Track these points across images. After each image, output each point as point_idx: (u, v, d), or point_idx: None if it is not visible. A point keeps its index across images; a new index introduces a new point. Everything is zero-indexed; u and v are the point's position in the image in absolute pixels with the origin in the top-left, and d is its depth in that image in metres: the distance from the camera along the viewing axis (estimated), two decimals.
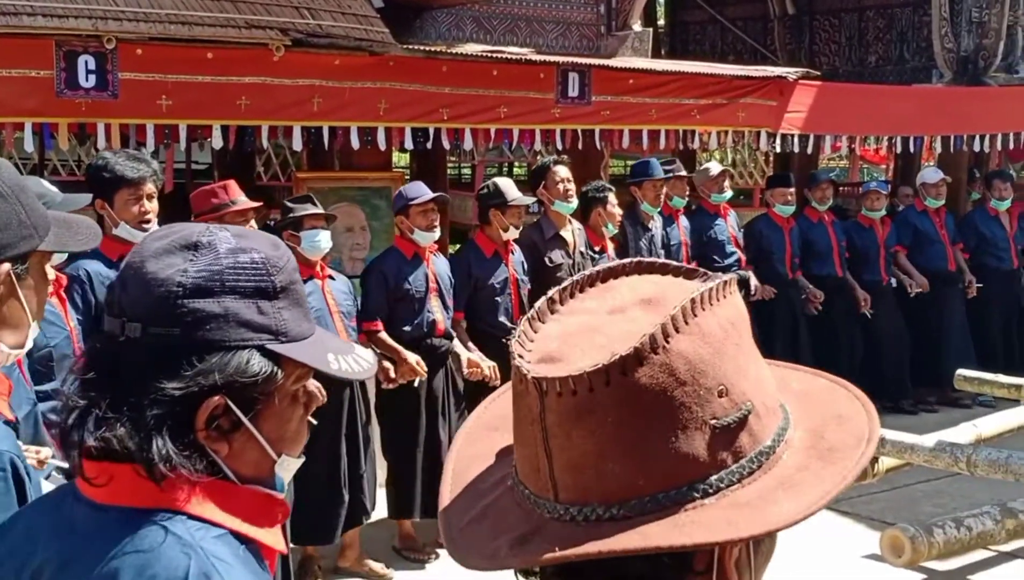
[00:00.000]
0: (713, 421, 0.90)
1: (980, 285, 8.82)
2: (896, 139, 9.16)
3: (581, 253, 6.51)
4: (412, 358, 5.52)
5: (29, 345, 1.88)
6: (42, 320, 1.97)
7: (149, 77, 5.90)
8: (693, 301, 0.90)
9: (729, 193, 8.11)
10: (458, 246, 8.34)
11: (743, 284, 7.79)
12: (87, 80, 5.71)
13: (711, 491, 0.90)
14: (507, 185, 6.22)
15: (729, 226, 7.89)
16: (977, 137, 9.24)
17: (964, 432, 5.18)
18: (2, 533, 1.33)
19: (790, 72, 8.61)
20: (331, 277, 5.44)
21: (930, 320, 8.69)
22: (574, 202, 6.55)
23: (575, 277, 0.99)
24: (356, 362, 1.37)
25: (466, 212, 10.05)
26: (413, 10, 7.99)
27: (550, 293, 0.98)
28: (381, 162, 7.72)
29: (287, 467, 1.34)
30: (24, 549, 1.27)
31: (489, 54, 7.32)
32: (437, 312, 5.75)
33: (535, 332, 0.94)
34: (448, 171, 12.06)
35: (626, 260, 1.00)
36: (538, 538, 0.90)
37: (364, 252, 7.07)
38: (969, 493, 5.41)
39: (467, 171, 17.41)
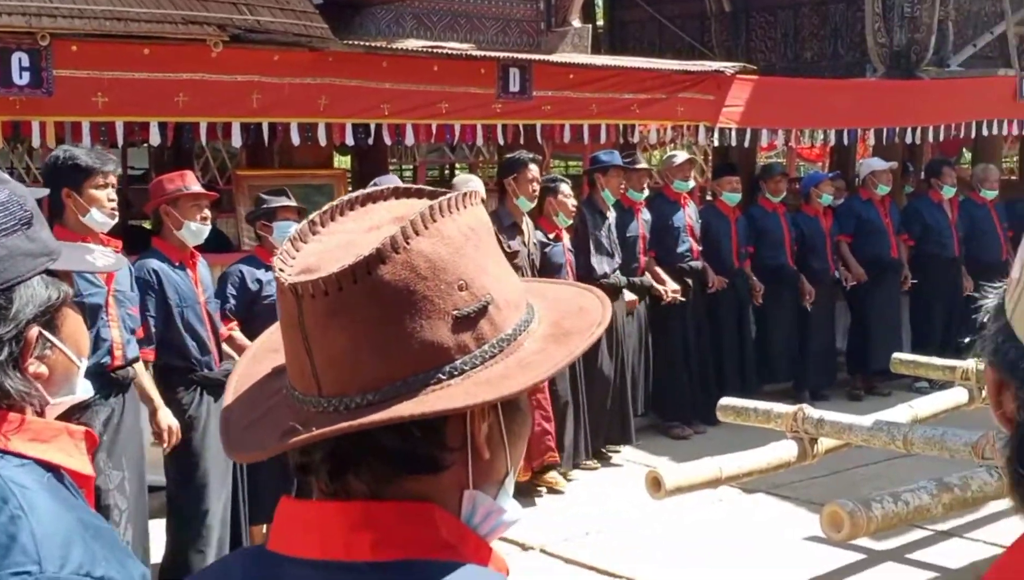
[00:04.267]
0: (455, 311, 0.99)
1: (915, 281, 8.98)
2: (831, 132, 9.33)
3: (535, 244, 6.58)
4: None
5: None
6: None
7: (84, 74, 5.83)
8: (432, 208, 1.00)
9: (692, 183, 8.20)
10: None
11: (698, 275, 7.88)
12: (21, 77, 5.63)
13: (456, 373, 0.99)
14: (477, 187, 6.27)
15: (687, 216, 7.97)
16: (909, 130, 9.42)
17: (901, 412, 5.29)
18: None
19: (727, 67, 8.73)
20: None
21: (870, 307, 8.84)
22: (534, 202, 6.62)
23: (335, 202, 1.08)
24: (104, 257, 1.61)
25: None
26: (352, 6, 7.99)
27: (311, 216, 1.06)
28: (322, 159, 7.71)
29: (85, 367, 1.52)
30: None
31: (430, 49, 7.34)
32: None
33: (297, 251, 1.03)
34: (390, 171, 12.04)
35: (384, 186, 1.08)
36: (302, 429, 0.98)
37: None
38: (907, 475, 5.51)
39: (408, 173, 17.35)
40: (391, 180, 5.95)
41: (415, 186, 1.09)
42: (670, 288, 7.56)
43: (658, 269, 7.68)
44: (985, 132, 9.86)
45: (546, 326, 1.07)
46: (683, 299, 7.72)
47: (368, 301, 0.97)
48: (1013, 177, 14.54)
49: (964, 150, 13.37)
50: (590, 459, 6.99)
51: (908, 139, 9.54)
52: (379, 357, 0.97)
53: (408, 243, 0.97)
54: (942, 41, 10.37)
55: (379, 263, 0.96)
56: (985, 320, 0.84)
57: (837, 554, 5.37)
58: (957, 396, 5.61)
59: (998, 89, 10.05)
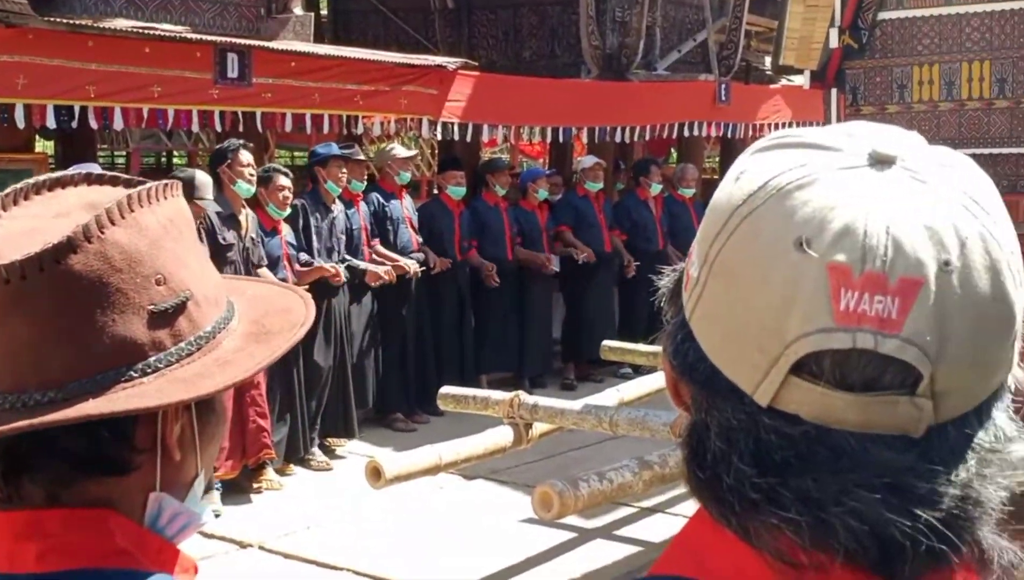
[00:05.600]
0: (151, 306, 0.95)
1: (626, 269, 9.45)
2: (548, 129, 9.67)
3: (252, 238, 6.41)
4: None
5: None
6: None
7: None
8: (130, 197, 0.96)
9: (409, 175, 8.25)
10: None
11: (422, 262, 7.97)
12: None
13: (149, 370, 0.95)
14: (204, 181, 6.03)
15: (404, 207, 8.02)
16: (620, 129, 9.90)
17: (609, 396, 5.56)
18: None
19: (450, 62, 8.86)
20: None
21: (584, 299, 9.23)
22: (253, 187, 6.45)
23: (19, 185, 1.02)
24: None
25: None
26: None
27: None
28: (20, 142, 7.22)
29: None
30: None
31: (140, 30, 7.02)
32: None
33: None
34: (100, 158, 11.44)
35: (75, 172, 1.04)
36: None
37: None
38: (616, 456, 5.80)
39: (121, 159, 16.55)
40: (90, 167, 5.62)
41: (110, 173, 1.04)
42: (399, 266, 7.59)
43: (384, 250, 7.70)
44: (688, 133, 10.50)
45: (247, 324, 1.05)
46: (424, 268, 7.81)
47: (56, 292, 0.92)
48: (716, 177, 15.56)
49: (672, 150, 14.19)
50: (311, 454, 6.92)
51: (619, 138, 10.04)
52: (67, 352, 0.93)
53: (103, 233, 0.93)
54: (650, 46, 10.96)
55: (69, 252, 0.91)
56: (662, 305, 0.84)
57: (551, 535, 5.57)
58: (660, 380, 5.96)
59: (700, 93, 10.75)
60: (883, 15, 5.40)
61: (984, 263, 0.70)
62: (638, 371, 7.54)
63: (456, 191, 8.48)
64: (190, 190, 5.90)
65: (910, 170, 0.72)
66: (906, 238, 0.69)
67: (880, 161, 0.72)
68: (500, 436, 5.14)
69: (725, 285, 0.73)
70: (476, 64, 9.56)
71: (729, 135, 11.12)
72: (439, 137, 8.83)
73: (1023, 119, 5.07)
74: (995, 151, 5.09)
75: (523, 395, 5.26)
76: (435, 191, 9.03)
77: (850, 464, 0.69)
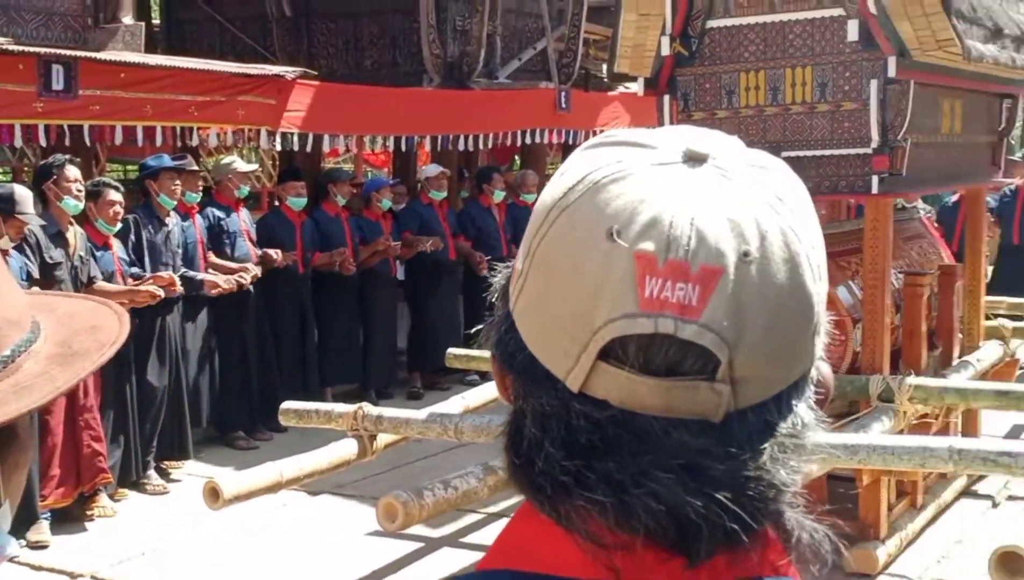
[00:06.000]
0: None
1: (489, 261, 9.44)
2: (391, 138, 9.62)
3: (81, 256, 6.16)
4: None
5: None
6: None
7: None
8: None
9: (248, 188, 8.08)
10: None
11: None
12: None
13: None
14: (23, 195, 5.74)
15: (241, 220, 7.85)
16: (463, 137, 9.92)
17: (454, 404, 5.55)
18: None
19: (288, 72, 8.71)
20: None
21: (429, 307, 9.20)
22: (82, 203, 6.20)
23: None
24: None
25: None
26: None
27: None
28: None
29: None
30: None
31: None
32: None
33: None
34: None
35: None
36: None
37: None
38: (463, 463, 5.78)
39: None
40: None
41: None
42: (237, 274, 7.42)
43: (221, 262, 7.52)
44: (530, 140, 10.60)
45: (52, 345, 0.99)
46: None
47: None
48: None
49: (516, 157, 14.30)
50: (146, 477, 6.68)
51: (463, 146, 10.05)
52: None
53: None
54: (491, 54, 11.02)
55: None
56: (495, 300, 0.85)
57: (398, 546, 5.52)
58: None
59: (541, 100, 10.86)
60: (711, 23, 5.54)
61: (783, 256, 0.73)
62: (485, 378, 7.56)
63: (296, 202, 8.35)
64: (9, 206, 5.64)
65: (720, 168, 0.75)
66: (709, 229, 0.71)
67: (692, 159, 0.75)
68: (344, 449, 5.07)
69: (544, 276, 0.75)
70: (316, 74, 9.42)
71: (571, 141, 11.26)
72: (279, 148, 8.66)
73: (843, 122, 5.27)
74: (818, 153, 5.27)
75: (367, 406, 5.21)
76: (276, 202, 8.85)
77: (651, 447, 0.72)
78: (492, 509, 5.83)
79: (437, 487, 4.38)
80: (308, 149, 8.91)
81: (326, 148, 9.39)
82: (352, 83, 10.15)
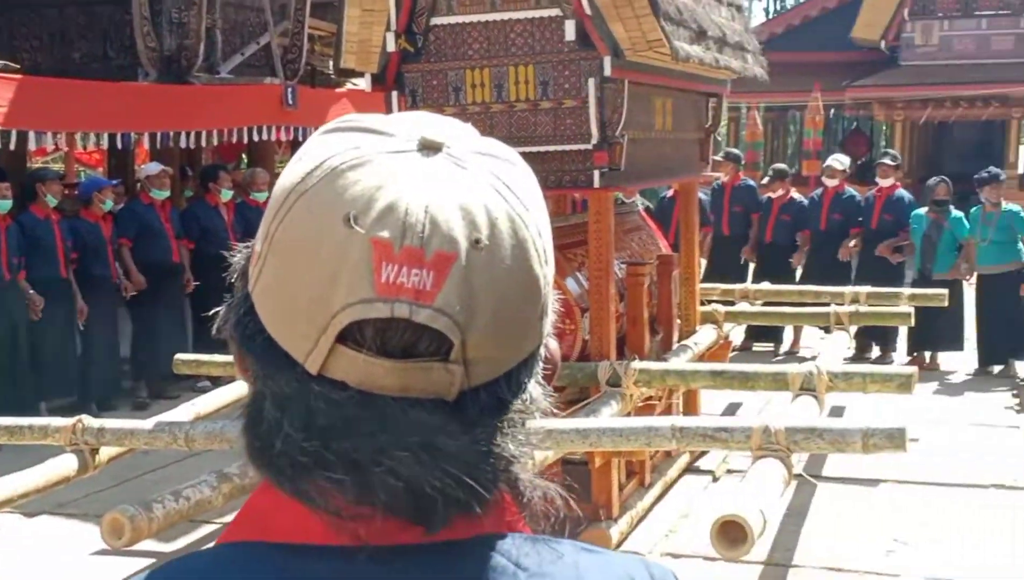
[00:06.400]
0: None
1: (197, 282, 9.11)
2: (104, 136, 9.12)
3: None
4: None
5: None
6: None
7: None
8: None
9: None
10: None
11: None
12: None
13: None
14: None
15: None
16: (184, 134, 9.55)
17: (184, 411, 5.33)
18: None
19: None
20: None
21: (154, 312, 8.79)
22: None
23: None
24: None
25: None
26: None
27: None
28: None
29: None
30: None
31: None
32: None
33: None
34: None
35: None
36: None
37: None
38: (198, 473, 5.57)
39: None
40: None
41: None
42: None
43: None
44: (256, 137, 10.34)
45: None
46: None
47: None
48: None
49: (243, 155, 13.92)
50: None
51: (184, 143, 9.68)
52: None
53: None
54: (211, 48, 10.65)
55: None
56: (234, 281, 0.85)
57: (127, 564, 5.23)
58: (239, 390, 5.80)
59: (266, 96, 10.61)
60: (435, 20, 5.57)
61: (512, 242, 0.77)
62: (217, 383, 7.30)
63: (2, 205, 7.77)
64: None
65: (453, 157, 0.78)
66: (442, 217, 0.74)
67: (427, 147, 0.78)
68: (62, 465, 4.76)
69: (282, 260, 0.77)
70: (19, 67, 8.81)
71: (299, 138, 11.06)
72: None
73: (565, 119, 5.44)
74: (542, 149, 5.41)
75: (87, 419, 4.93)
76: None
77: (389, 426, 0.74)
78: (228, 519, 5.61)
79: (167, 499, 4.20)
80: (12, 147, 8.31)
81: (32, 146, 8.77)
82: (59, 77, 9.55)
